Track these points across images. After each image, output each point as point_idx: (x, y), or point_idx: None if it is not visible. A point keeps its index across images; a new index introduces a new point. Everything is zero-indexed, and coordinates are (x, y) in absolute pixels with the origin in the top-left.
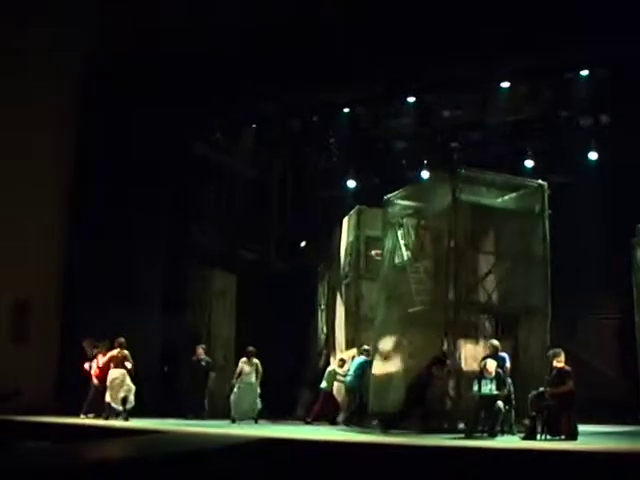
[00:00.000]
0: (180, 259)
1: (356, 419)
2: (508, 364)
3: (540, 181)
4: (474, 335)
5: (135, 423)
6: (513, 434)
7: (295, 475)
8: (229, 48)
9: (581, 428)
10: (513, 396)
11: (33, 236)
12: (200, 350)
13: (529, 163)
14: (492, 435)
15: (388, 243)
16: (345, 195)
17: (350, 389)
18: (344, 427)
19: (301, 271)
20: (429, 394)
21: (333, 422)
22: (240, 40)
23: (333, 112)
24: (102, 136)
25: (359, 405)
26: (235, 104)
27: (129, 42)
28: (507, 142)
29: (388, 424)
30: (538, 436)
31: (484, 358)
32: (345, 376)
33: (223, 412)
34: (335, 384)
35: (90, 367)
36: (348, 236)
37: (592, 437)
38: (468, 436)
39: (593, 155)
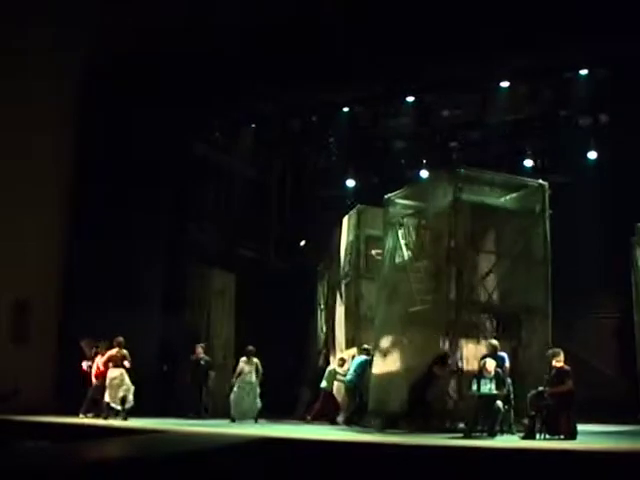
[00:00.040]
0: (179, 258)
1: (356, 419)
2: (507, 363)
3: (541, 181)
4: (475, 335)
5: (134, 423)
6: (512, 434)
7: (295, 475)
8: (229, 48)
9: (580, 427)
10: (512, 396)
11: (33, 236)
12: (199, 349)
13: (528, 162)
14: (491, 435)
15: (388, 242)
16: (344, 194)
17: (350, 388)
18: (344, 427)
19: (300, 270)
20: (431, 394)
21: (333, 422)
22: (240, 40)
23: (332, 112)
24: (102, 136)
25: (359, 404)
26: (235, 104)
27: (129, 42)
28: (506, 141)
29: (390, 423)
30: (537, 436)
31: (483, 357)
32: (345, 375)
33: (223, 411)
34: (335, 383)
35: (89, 367)
36: (348, 235)
37: (591, 437)
38: (467, 436)
39: (592, 154)
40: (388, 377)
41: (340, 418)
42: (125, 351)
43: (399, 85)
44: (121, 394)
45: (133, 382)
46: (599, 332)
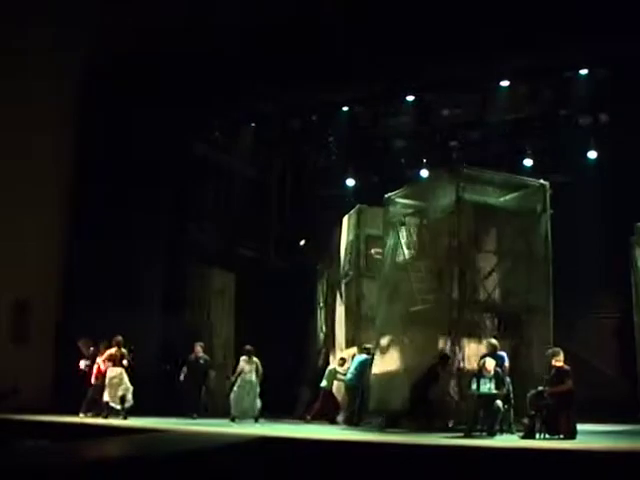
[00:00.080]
0: (179, 258)
1: (356, 418)
2: (507, 363)
3: (542, 181)
4: (477, 334)
5: (134, 422)
6: (512, 433)
7: (295, 474)
8: (229, 48)
9: (580, 427)
10: (512, 395)
11: (33, 236)
12: (198, 348)
13: (528, 162)
14: (491, 434)
15: (389, 242)
16: (344, 194)
17: (351, 387)
18: (344, 426)
19: (300, 269)
20: (434, 393)
21: (333, 421)
22: (240, 40)
23: (332, 111)
24: (102, 136)
25: (360, 404)
26: (235, 104)
27: (129, 42)
28: (506, 141)
29: (391, 422)
30: (537, 435)
31: (482, 357)
32: (346, 375)
33: (223, 411)
34: (335, 383)
35: (86, 366)
36: (348, 235)
37: (591, 436)
38: (467, 435)
39: (592, 154)
40: (389, 376)
41: (340, 417)
42: (124, 350)
43: (399, 84)
44: (120, 393)
45: (132, 381)
46: (599, 332)
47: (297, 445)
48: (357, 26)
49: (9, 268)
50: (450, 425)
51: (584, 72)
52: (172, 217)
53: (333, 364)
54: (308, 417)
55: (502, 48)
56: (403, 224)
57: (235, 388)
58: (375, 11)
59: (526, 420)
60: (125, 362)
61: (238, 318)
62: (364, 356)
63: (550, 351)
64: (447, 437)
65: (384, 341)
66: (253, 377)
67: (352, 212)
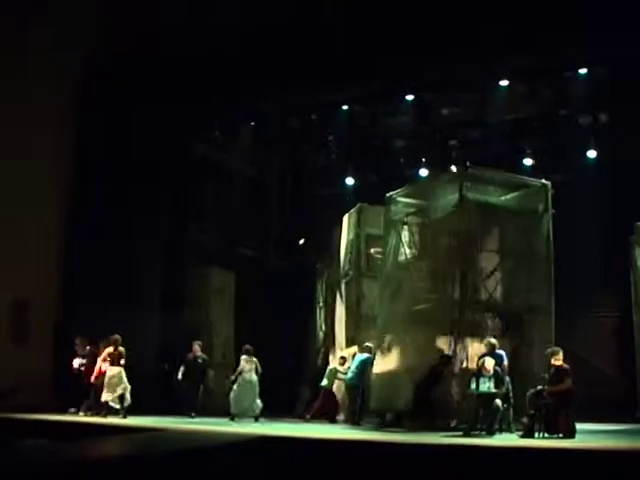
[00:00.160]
0: (179, 258)
1: (357, 417)
2: (506, 362)
3: (544, 180)
4: (479, 334)
5: (133, 421)
6: (511, 432)
7: (295, 473)
8: (229, 48)
9: (579, 426)
10: (511, 394)
11: (33, 236)
12: (196, 347)
13: (528, 161)
14: (490, 433)
15: (391, 241)
16: (344, 193)
17: (351, 387)
18: (344, 425)
19: (300, 269)
20: (436, 393)
21: (333, 420)
22: (240, 40)
23: (332, 110)
24: (102, 136)
25: (360, 403)
26: (235, 104)
27: (129, 42)
28: (506, 140)
29: (393, 422)
30: (536, 434)
31: (482, 356)
32: (346, 374)
33: (222, 410)
34: (335, 382)
35: (81, 365)
36: (348, 234)
37: (590, 435)
38: (466, 434)
39: (592, 153)
40: (390, 376)
41: (340, 417)
42: (122, 349)
43: (398, 84)
44: (119, 392)
45: (131, 381)
46: (599, 331)
47: (297, 444)
48: (357, 26)
49: (9, 268)
50: (452, 425)
51: (584, 72)
52: (172, 217)
53: (333, 363)
54: (308, 416)
55: (502, 48)
56: (404, 223)
57: (235, 387)
58: (375, 11)
59: (525, 419)
60: (123, 361)
61: (238, 317)
62: (365, 355)
63: (549, 350)
64: (446, 436)
65: (387, 341)
66: (253, 376)
67: (352, 211)
